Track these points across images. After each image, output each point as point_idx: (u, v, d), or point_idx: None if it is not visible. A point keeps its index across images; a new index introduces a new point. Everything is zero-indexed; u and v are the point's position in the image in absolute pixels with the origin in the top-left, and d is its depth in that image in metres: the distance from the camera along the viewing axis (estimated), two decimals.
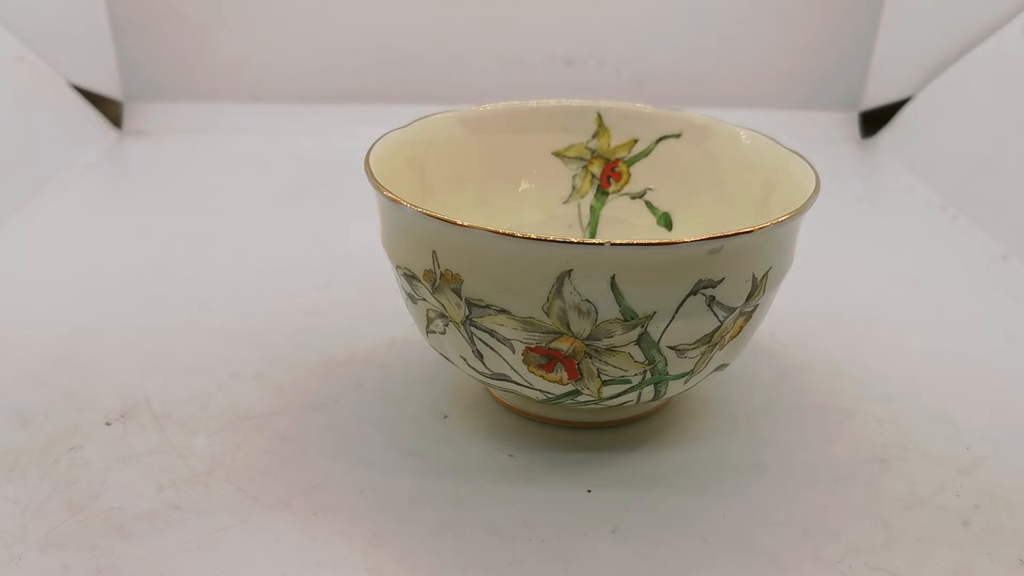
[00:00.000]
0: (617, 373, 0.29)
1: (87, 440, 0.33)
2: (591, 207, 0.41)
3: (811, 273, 0.42)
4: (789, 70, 0.78)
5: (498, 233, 0.27)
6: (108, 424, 0.34)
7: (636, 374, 0.29)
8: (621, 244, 0.26)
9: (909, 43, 0.68)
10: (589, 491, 0.31)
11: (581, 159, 0.40)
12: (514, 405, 0.35)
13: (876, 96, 0.71)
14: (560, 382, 0.30)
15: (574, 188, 0.40)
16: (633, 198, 0.40)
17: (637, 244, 0.26)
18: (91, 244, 0.50)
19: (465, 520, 0.30)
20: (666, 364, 0.29)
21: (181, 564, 0.27)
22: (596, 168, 0.40)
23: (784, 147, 0.35)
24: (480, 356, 0.30)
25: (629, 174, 0.40)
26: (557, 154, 0.40)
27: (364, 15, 0.75)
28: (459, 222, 0.27)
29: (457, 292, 0.29)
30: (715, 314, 0.29)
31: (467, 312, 0.29)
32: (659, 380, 0.30)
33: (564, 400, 0.31)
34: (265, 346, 0.39)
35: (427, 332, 0.32)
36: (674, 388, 0.31)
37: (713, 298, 0.28)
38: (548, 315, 0.28)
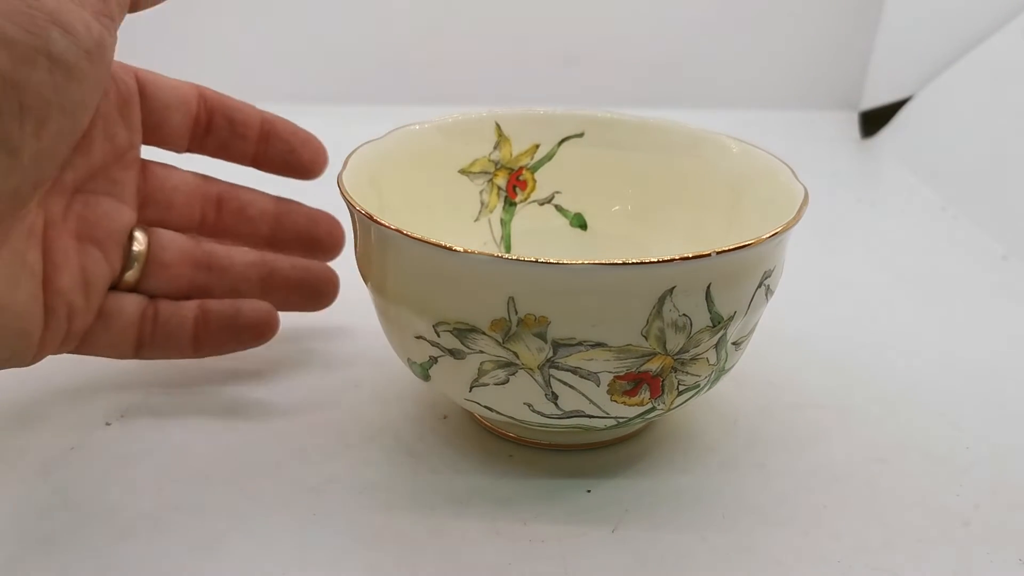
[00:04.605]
0: (692, 381, 0.29)
1: (87, 440, 0.33)
2: (501, 220, 0.39)
3: (811, 273, 0.42)
4: (789, 70, 0.78)
5: (597, 264, 0.25)
6: (108, 424, 0.34)
7: (706, 377, 0.29)
8: (726, 251, 0.26)
9: (909, 43, 0.68)
10: (589, 491, 0.31)
11: (486, 173, 0.38)
12: (507, 432, 0.33)
13: (876, 96, 0.71)
14: (641, 403, 0.29)
15: (482, 204, 0.39)
16: (541, 204, 0.39)
17: (735, 249, 0.26)
18: None
19: (465, 520, 0.30)
20: (727, 360, 0.29)
21: (181, 564, 0.27)
22: (501, 180, 0.38)
23: (692, 128, 0.36)
24: (555, 398, 0.28)
25: (534, 181, 0.39)
26: (463, 172, 0.38)
27: (364, 15, 0.75)
28: (541, 259, 0.25)
29: (541, 336, 0.27)
30: (767, 300, 0.29)
31: (550, 354, 0.27)
32: (718, 378, 0.30)
33: (634, 422, 0.30)
34: (266, 346, 0.39)
35: (471, 387, 0.29)
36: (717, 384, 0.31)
37: (768, 287, 0.29)
38: (647, 338, 0.27)
